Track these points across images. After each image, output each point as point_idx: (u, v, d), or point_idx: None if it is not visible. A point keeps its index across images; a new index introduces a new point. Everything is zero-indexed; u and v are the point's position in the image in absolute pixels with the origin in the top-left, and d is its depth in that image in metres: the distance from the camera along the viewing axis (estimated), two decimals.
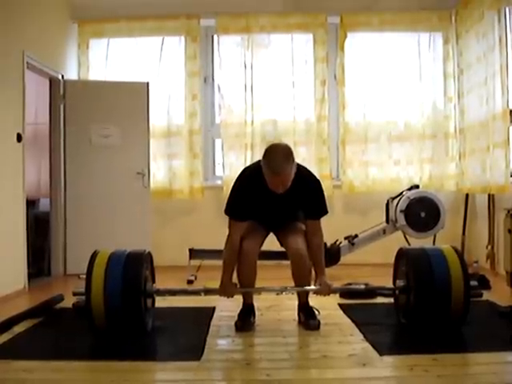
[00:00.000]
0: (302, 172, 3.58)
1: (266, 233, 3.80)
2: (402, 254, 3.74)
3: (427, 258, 3.52)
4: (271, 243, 4.04)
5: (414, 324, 3.53)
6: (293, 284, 3.73)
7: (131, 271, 3.48)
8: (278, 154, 3.39)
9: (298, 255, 3.61)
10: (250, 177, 3.61)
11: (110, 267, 3.47)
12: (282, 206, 3.61)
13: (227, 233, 3.73)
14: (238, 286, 3.69)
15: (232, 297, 3.67)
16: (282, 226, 3.80)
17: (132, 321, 3.47)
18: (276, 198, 3.51)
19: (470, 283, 3.43)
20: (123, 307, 3.39)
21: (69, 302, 4.15)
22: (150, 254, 3.74)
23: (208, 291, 3.90)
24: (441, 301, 3.38)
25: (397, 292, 3.75)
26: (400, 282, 3.69)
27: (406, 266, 3.62)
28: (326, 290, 3.63)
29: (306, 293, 3.71)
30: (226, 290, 3.62)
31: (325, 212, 3.67)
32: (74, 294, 3.61)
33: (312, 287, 3.67)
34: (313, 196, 3.61)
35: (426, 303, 3.41)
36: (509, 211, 5.22)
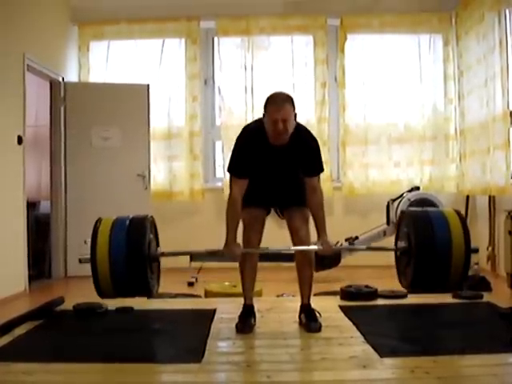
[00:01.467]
0: (302, 129, 3.68)
1: (265, 215, 3.76)
2: (404, 215, 3.73)
3: (429, 219, 3.54)
4: (272, 244, 4.02)
5: (413, 286, 3.58)
6: (292, 288, 3.72)
7: (135, 236, 3.50)
8: (280, 94, 3.57)
9: (301, 242, 3.64)
10: (251, 133, 3.68)
11: (113, 233, 3.49)
12: (283, 162, 3.62)
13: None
14: (238, 287, 3.69)
15: (236, 259, 3.62)
16: (285, 203, 3.76)
17: (137, 285, 3.51)
18: (276, 153, 3.57)
19: (470, 246, 3.47)
20: (128, 272, 3.42)
21: (69, 304, 4.15)
22: (153, 218, 3.74)
23: (212, 253, 3.88)
24: (441, 263, 3.41)
25: (398, 253, 3.74)
26: (401, 243, 3.67)
27: (407, 227, 3.61)
28: (328, 249, 3.61)
29: (308, 293, 3.69)
30: (230, 249, 3.56)
31: (322, 169, 3.76)
32: (81, 262, 3.60)
33: (314, 246, 3.64)
34: (311, 153, 3.67)
35: (426, 265, 3.43)
36: (509, 213, 5.22)
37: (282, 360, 3.01)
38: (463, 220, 3.56)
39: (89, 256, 3.49)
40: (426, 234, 3.46)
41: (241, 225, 3.66)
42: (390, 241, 6.05)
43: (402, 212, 3.80)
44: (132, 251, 3.45)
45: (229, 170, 3.68)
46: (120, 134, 6.75)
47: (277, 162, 3.61)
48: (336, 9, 7.12)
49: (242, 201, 3.61)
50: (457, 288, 3.58)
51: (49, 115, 6.71)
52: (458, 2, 6.89)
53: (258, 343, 3.38)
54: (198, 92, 7.20)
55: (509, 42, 5.65)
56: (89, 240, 3.53)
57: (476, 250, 3.59)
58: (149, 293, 3.63)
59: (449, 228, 3.48)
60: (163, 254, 3.79)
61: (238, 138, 3.68)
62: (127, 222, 3.58)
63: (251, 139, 3.63)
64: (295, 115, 3.52)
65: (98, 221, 3.61)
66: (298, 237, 3.65)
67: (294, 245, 3.68)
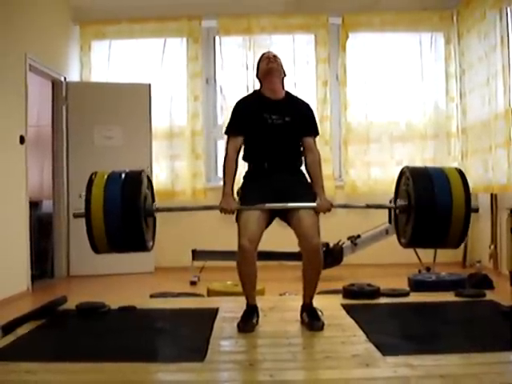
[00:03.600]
0: (292, 94, 3.89)
1: (267, 221, 3.63)
2: (404, 173, 3.70)
3: (429, 176, 3.54)
4: (272, 243, 4.03)
5: (413, 242, 3.63)
6: (295, 287, 3.70)
7: (130, 189, 3.48)
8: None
9: (313, 250, 3.52)
10: (246, 95, 3.97)
11: (108, 186, 3.46)
12: (279, 116, 3.67)
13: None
14: (240, 285, 3.66)
15: (232, 213, 3.58)
16: (291, 205, 3.62)
17: (133, 240, 3.50)
18: (273, 106, 3.68)
19: (471, 203, 3.46)
20: (123, 226, 3.40)
21: (72, 303, 4.15)
22: (146, 173, 3.71)
23: (209, 207, 3.91)
24: (441, 219, 3.41)
25: (397, 211, 3.72)
26: (400, 201, 3.66)
27: (407, 184, 3.60)
28: (326, 206, 3.59)
29: (311, 294, 3.66)
30: (226, 202, 3.57)
31: (317, 132, 3.85)
32: (75, 216, 3.58)
33: (312, 204, 3.58)
34: (306, 110, 3.82)
35: (426, 221, 3.43)
36: (511, 211, 5.21)
37: (285, 359, 3.01)
38: (464, 178, 3.55)
39: (83, 210, 3.45)
40: (426, 191, 3.45)
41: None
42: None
43: (401, 170, 3.74)
44: (127, 204, 3.42)
45: (226, 132, 3.79)
46: (122, 134, 6.76)
47: (273, 115, 3.67)
48: (337, 7, 7.12)
49: (246, 176, 3.76)
50: (456, 245, 3.57)
51: (51, 115, 6.72)
52: (459, 0, 6.88)
53: (261, 342, 3.38)
54: (200, 91, 7.21)
55: (510, 40, 5.64)
56: (83, 194, 3.50)
57: (476, 210, 3.59)
58: (144, 247, 3.59)
59: (449, 185, 3.48)
60: (158, 210, 3.77)
61: (235, 105, 3.84)
62: (123, 176, 3.55)
63: (247, 98, 3.90)
64: (284, 75, 3.83)
65: (93, 174, 3.57)
66: (311, 245, 3.48)
67: (305, 254, 3.54)
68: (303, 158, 3.80)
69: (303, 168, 3.81)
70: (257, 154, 3.75)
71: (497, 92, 5.82)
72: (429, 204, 3.42)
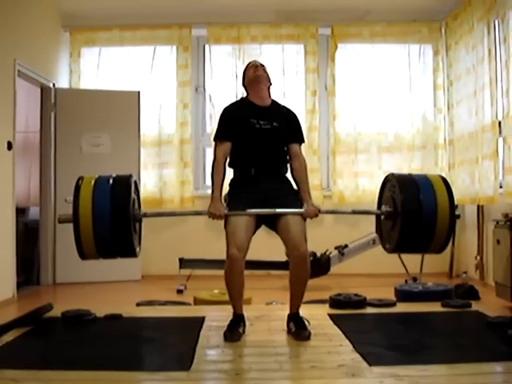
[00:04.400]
0: (278, 102, 3.94)
1: (254, 228, 3.62)
2: (389, 180, 3.74)
3: (415, 183, 3.59)
4: (260, 252, 4.03)
5: (398, 249, 3.69)
6: (282, 294, 3.70)
7: (120, 194, 3.44)
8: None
9: (300, 258, 3.51)
10: (233, 102, 4.02)
11: (97, 192, 3.42)
12: (266, 122, 3.70)
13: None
14: (227, 294, 3.65)
15: (221, 218, 3.57)
16: (278, 214, 3.61)
17: (122, 246, 3.47)
18: (260, 112, 3.72)
19: (455, 210, 3.55)
20: (113, 232, 3.36)
21: (58, 311, 4.13)
22: (134, 177, 3.68)
23: (198, 213, 3.92)
24: (426, 226, 3.47)
25: (382, 217, 3.77)
26: (386, 207, 3.70)
27: (392, 191, 3.64)
28: (313, 211, 3.60)
29: (298, 303, 3.66)
30: (215, 207, 3.56)
31: (303, 139, 3.90)
32: (60, 221, 3.54)
33: (300, 210, 3.60)
34: (292, 117, 3.86)
35: (412, 228, 3.48)
36: (498, 222, 5.25)
37: (271, 368, 3.01)
38: (447, 184, 3.61)
39: (70, 214, 3.39)
40: (412, 197, 3.50)
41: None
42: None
43: (386, 177, 3.79)
44: (117, 210, 3.38)
45: (214, 138, 3.80)
46: (110, 141, 6.74)
47: (261, 120, 3.69)
48: (327, 18, 7.16)
49: (232, 183, 3.77)
50: (440, 251, 3.64)
51: (39, 121, 6.70)
52: (448, 13, 6.94)
53: (247, 351, 3.37)
54: (189, 99, 7.21)
55: (498, 53, 5.69)
56: (69, 198, 3.45)
57: (458, 216, 3.67)
58: (132, 253, 3.56)
59: (434, 191, 3.53)
60: (146, 215, 3.75)
61: (223, 110, 3.87)
62: (111, 181, 3.52)
63: (234, 104, 3.95)
64: (270, 83, 3.83)
65: (80, 179, 3.53)
66: (299, 253, 3.49)
67: (292, 261, 3.55)
68: (289, 164, 3.82)
69: (289, 175, 3.83)
70: (244, 159, 3.75)
71: (484, 104, 5.86)
72: (415, 210, 3.47)
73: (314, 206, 3.64)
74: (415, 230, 3.49)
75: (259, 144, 3.71)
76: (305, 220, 3.63)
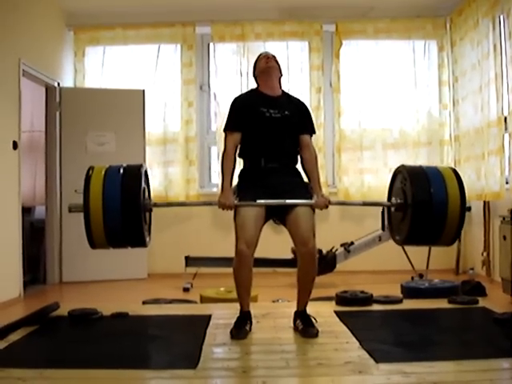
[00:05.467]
0: (289, 93, 3.97)
1: (263, 222, 3.60)
2: (400, 171, 3.72)
3: (425, 175, 3.57)
4: (266, 250, 4.02)
5: (408, 241, 3.68)
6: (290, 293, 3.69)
7: (130, 184, 3.44)
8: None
9: (308, 254, 3.50)
10: (243, 93, 4.06)
11: (107, 181, 3.42)
12: (276, 112, 3.69)
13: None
14: (235, 288, 3.64)
15: (231, 208, 3.57)
16: (287, 207, 3.58)
17: (132, 235, 3.47)
18: (270, 102, 3.70)
19: (465, 203, 3.52)
20: (123, 222, 3.37)
21: (64, 310, 4.14)
22: (145, 167, 3.68)
23: (208, 203, 3.91)
24: (437, 218, 3.46)
25: (392, 209, 3.76)
26: (396, 199, 3.69)
27: (403, 183, 3.63)
28: (323, 203, 3.59)
29: (306, 300, 3.66)
30: (225, 196, 3.56)
31: (314, 131, 3.88)
32: (70, 210, 3.53)
33: (310, 201, 3.60)
34: (302, 108, 3.86)
35: (422, 220, 3.47)
36: (504, 218, 5.23)
37: (278, 366, 3.01)
38: (458, 177, 3.59)
39: (80, 204, 3.39)
40: (423, 189, 3.49)
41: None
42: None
43: (397, 169, 3.78)
44: (128, 200, 3.38)
45: (224, 129, 3.79)
46: (115, 140, 6.75)
47: (271, 109, 3.68)
48: (331, 15, 7.14)
49: (241, 175, 3.76)
50: (450, 243, 3.65)
51: (44, 120, 6.71)
52: (452, 8, 6.92)
53: (254, 349, 3.37)
54: (194, 97, 7.21)
55: (503, 48, 5.67)
56: (80, 189, 3.44)
57: (469, 208, 3.65)
58: (142, 243, 3.56)
59: (445, 183, 3.52)
60: (156, 205, 3.77)
61: (233, 100, 3.86)
62: (121, 171, 3.51)
63: (244, 94, 3.99)
64: (281, 74, 3.87)
65: (91, 168, 3.53)
66: (307, 249, 3.48)
67: (300, 257, 3.54)
68: (299, 156, 3.80)
69: (299, 166, 3.80)
70: (253, 149, 3.72)
71: (489, 99, 5.84)
72: (425, 202, 3.46)
73: (324, 198, 3.63)
74: (425, 222, 3.48)
75: (269, 133, 3.68)
76: (314, 212, 3.62)
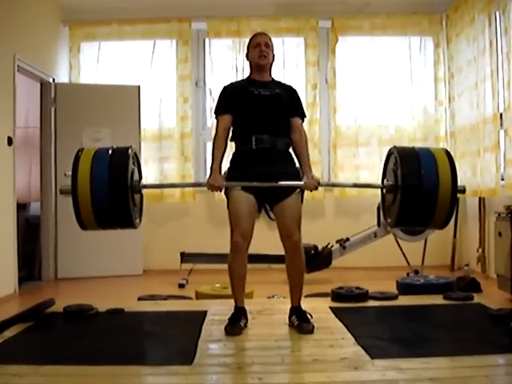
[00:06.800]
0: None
1: (257, 211, 3.64)
2: (392, 153, 3.68)
3: (416, 156, 3.53)
4: (261, 246, 4.02)
5: (399, 223, 3.66)
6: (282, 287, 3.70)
7: (117, 165, 3.46)
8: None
9: (293, 247, 3.55)
10: (233, 81, 4.10)
11: (95, 163, 3.45)
12: (267, 96, 3.70)
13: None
14: (228, 288, 3.65)
15: (220, 190, 3.61)
16: (278, 195, 3.59)
17: (120, 216, 3.47)
18: (261, 86, 3.71)
19: (457, 184, 3.48)
20: (110, 202, 3.39)
21: (60, 306, 4.13)
22: (135, 149, 3.70)
23: (197, 185, 3.91)
24: (427, 200, 3.42)
25: (384, 191, 3.74)
26: (388, 181, 3.67)
27: (394, 164, 3.60)
28: (313, 184, 3.58)
29: (299, 295, 3.67)
30: (214, 179, 3.59)
31: (304, 114, 3.86)
32: (62, 192, 3.57)
33: (299, 182, 3.60)
34: (293, 93, 3.86)
35: (412, 202, 3.44)
36: (499, 214, 5.24)
37: (273, 362, 3.01)
38: (451, 158, 3.56)
39: (69, 186, 3.43)
40: (412, 170, 3.46)
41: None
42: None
43: (389, 150, 3.73)
44: (115, 180, 3.40)
45: (215, 112, 3.84)
46: (111, 135, 6.73)
47: (260, 88, 3.70)
48: (327, 11, 7.13)
49: (232, 160, 3.73)
50: (442, 226, 3.59)
51: (39, 116, 6.68)
52: (448, 5, 6.92)
53: (249, 345, 3.37)
54: (189, 93, 7.20)
55: (499, 45, 5.67)
56: (69, 172, 3.48)
57: (463, 191, 3.60)
58: (130, 224, 3.56)
59: (436, 165, 3.49)
60: (145, 186, 3.79)
61: (223, 87, 3.90)
62: (109, 152, 3.54)
63: (234, 82, 4.06)
64: (273, 55, 3.86)
65: (80, 150, 3.57)
66: (291, 242, 3.55)
67: (286, 249, 3.58)
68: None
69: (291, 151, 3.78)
70: (244, 127, 3.69)
71: (485, 96, 5.85)
72: (415, 183, 3.42)
73: (314, 179, 3.62)
74: (415, 205, 3.44)
75: (259, 110, 3.67)
76: (303, 194, 3.64)
